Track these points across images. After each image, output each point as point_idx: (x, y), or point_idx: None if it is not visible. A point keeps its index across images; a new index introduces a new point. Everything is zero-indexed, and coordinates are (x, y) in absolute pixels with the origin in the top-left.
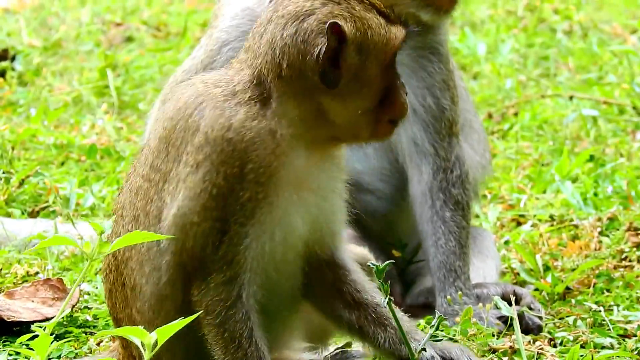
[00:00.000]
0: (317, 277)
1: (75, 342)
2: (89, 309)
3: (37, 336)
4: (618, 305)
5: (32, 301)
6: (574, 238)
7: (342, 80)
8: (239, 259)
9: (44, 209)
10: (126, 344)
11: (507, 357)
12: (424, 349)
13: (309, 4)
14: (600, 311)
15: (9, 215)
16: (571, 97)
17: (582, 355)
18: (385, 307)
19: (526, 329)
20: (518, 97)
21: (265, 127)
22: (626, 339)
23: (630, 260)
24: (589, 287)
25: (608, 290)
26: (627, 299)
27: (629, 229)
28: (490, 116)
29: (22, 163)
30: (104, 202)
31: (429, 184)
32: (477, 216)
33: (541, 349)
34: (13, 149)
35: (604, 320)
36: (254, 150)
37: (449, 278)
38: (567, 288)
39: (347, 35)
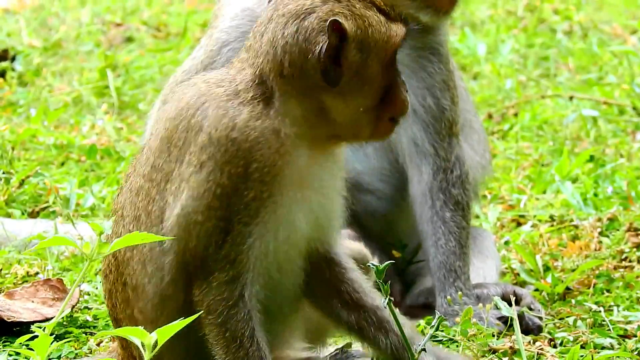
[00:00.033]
0: (316, 276)
1: (75, 342)
2: (89, 309)
3: (37, 336)
4: (618, 306)
5: (32, 301)
6: (574, 238)
7: (344, 78)
8: (242, 258)
9: (44, 209)
10: (126, 344)
11: (507, 358)
12: (424, 349)
13: (310, 3)
14: (600, 311)
15: (9, 215)
16: (571, 98)
17: (582, 356)
18: (385, 309)
19: (526, 330)
20: (518, 97)
21: (269, 126)
22: (626, 340)
23: (630, 261)
24: (589, 288)
25: (608, 291)
26: (627, 299)
27: (629, 230)
28: (490, 116)
29: (22, 163)
30: (104, 202)
31: (429, 184)
32: (477, 216)
33: (541, 349)
34: (13, 149)
35: (604, 320)
36: (259, 149)
37: (449, 278)
38: (567, 288)
39: (348, 33)
